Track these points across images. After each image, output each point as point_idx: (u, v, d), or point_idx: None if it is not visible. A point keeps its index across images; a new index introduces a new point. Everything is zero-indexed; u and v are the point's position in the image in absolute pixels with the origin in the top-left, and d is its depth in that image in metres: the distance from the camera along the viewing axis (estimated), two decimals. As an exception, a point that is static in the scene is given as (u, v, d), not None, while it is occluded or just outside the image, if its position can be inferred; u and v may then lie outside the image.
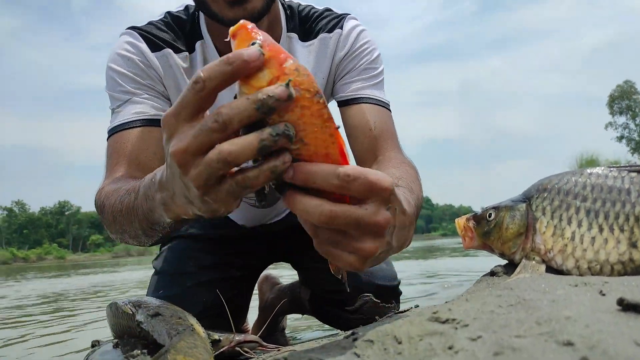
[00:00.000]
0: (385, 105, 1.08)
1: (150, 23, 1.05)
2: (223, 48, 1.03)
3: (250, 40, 0.44)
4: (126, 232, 0.73)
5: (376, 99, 1.07)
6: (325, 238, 0.48)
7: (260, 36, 0.45)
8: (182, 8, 1.08)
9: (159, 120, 0.90)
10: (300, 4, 1.14)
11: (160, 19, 1.05)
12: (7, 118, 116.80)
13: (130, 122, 0.95)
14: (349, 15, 1.12)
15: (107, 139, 0.97)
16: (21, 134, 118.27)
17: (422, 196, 0.84)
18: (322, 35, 1.09)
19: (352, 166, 0.45)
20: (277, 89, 0.41)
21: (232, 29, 0.47)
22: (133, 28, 1.03)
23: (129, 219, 0.68)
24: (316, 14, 1.12)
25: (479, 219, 0.81)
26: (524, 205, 0.77)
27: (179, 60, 1.02)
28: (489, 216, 0.79)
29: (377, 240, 0.47)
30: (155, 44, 1.01)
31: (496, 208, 0.79)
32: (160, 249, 1.34)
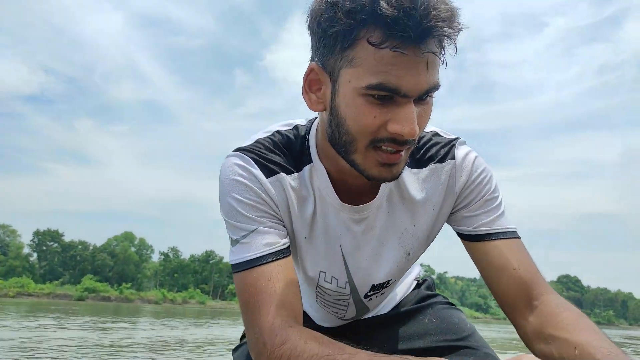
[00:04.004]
0: (517, 236, 1.01)
1: (258, 142, 0.99)
2: (333, 171, 0.98)
3: None
4: None
5: (510, 232, 0.99)
6: None
7: None
8: (290, 127, 1.03)
9: (288, 248, 0.95)
10: None
11: (269, 137, 1.00)
12: (169, 176, 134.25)
13: (264, 255, 0.91)
14: (459, 141, 1.03)
15: (238, 273, 0.92)
16: (179, 188, 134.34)
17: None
18: (432, 166, 1.01)
19: None
20: None
21: None
22: (243, 150, 0.98)
23: None
24: (423, 141, 1.03)
25: None
26: None
27: (291, 181, 0.98)
28: None
29: None
30: (269, 169, 0.96)
31: None
32: (240, 340, 1.29)
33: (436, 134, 1.04)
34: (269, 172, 0.96)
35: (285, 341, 0.82)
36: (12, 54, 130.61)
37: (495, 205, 1.01)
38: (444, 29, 0.74)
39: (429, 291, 1.29)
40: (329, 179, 0.98)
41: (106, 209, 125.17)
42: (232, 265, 0.94)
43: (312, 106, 0.90)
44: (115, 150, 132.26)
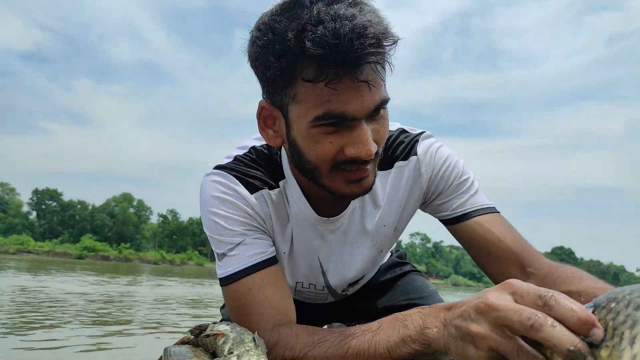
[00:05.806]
0: (496, 211, 1.03)
1: (237, 159, 1.00)
2: (306, 186, 0.99)
3: None
4: None
5: (487, 207, 1.02)
6: None
7: None
8: (264, 142, 1.03)
9: (276, 257, 0.95)
10: None
11: (246, 154, 1.01)
12: (168, 138, 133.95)
13: (254, 264, 0.91)
14: (422, 135, 1.05)
15: (229, 285, 0.91)
16: (178, 151, 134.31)
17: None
18: (397, 164, 1.03)
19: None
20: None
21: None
22: (223, 168, 0.98)
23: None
24: (390, 141, 1.04)
25: None
26: None
27: (273, 196, 0.99)
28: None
29: None
30: (252, 186, 0.97)
31: None
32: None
33: (402, 131, 1.06)
34: (252, 188, 0.97)
35: (278, 341, 0.84)
36: (5, 7, 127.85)
37: (467, 187, 1.03)
38: (373, 56, 0.74)
39: (400, 259, 1.42)
40: (302, 194, 0.99)
41: (105, 169, 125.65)
42: (221, 278, 0.93)
43: (270, 141, 0.90)
44: (114, 111, 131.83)
